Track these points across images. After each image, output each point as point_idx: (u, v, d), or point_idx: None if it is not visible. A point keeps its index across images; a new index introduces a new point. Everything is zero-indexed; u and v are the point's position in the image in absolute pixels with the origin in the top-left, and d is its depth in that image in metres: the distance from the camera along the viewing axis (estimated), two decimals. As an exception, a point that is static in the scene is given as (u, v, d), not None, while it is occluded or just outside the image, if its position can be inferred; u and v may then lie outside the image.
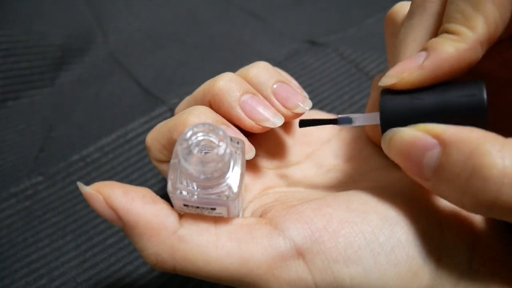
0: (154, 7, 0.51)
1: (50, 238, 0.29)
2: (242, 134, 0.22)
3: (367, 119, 0.21)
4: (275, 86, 0.23)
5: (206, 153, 0.18)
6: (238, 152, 0.19)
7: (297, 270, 0.18)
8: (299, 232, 0.18)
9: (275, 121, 0.22)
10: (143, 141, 0.34)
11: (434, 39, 0.18)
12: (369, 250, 0.18)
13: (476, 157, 0.15)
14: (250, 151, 0.22)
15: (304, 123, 0.22)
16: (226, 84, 0.22)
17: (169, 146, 0.22)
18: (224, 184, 0.18)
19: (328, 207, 0.19)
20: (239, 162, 0.19)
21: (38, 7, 0.47)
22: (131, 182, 0.32)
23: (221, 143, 0.17)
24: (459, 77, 0.18)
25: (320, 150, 0.26)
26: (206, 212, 0.19)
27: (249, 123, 0.22)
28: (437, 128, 0.17)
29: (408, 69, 0.18)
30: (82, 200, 0.31)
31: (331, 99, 0.37)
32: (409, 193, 0.20)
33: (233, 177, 0.18)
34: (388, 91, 0.19)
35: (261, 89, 0.23)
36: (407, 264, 0.18)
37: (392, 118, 0.19)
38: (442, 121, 0.17)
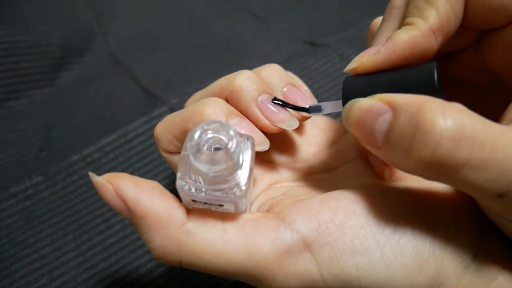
0: (154, 7, 0.51)
1: (50, 238, 0.29)
2: (255, 128, 0.22)
3: (335, 106, 0.22)
4: (285, 89, 0.24)
5: (216, 149, 0.18)
6: (248, 149, 0.19)
7: (304, 262, 0.18)
8: (306, 224, 0.18)
9: (291, 123, 0.23)
10: (143, 141, 0.34)
11: (394, 32, 0.20)
12: (375, 241, 0.18)
13: (420, 113, 0.16)
14: (264, 143, 0.22)
15: (277, 100, 0.23)
16: (246, 82, 0.22)
17: (182, 136, 0.22)
18: (233, 181, 0.18)
19: (335, 200, 0.19)
20: (248, 159, 0.19)
21: (38, 7, 0.47)
22: (131, 182, 0.32)
23: (230, 142, 0.17)
24: (416, 63, 0.20)
25: (326, 150, 0.26)
26: (213, 208, 0.19)
27: (265, 123, 0.22)
28: (390, 95, 0.18)
29: (367, 55, 0.21)
30: (82, 200, 0.31)
31: (331, 100, 0.37)
32: (414, 189, 0.21)
33: (242, 174, 0.18)
34: (351, 77, 0.21)
35: (272, 90, 0.23)
36: (412, 256, 0.18)
37: (352, 96, 0.20)
38: None
